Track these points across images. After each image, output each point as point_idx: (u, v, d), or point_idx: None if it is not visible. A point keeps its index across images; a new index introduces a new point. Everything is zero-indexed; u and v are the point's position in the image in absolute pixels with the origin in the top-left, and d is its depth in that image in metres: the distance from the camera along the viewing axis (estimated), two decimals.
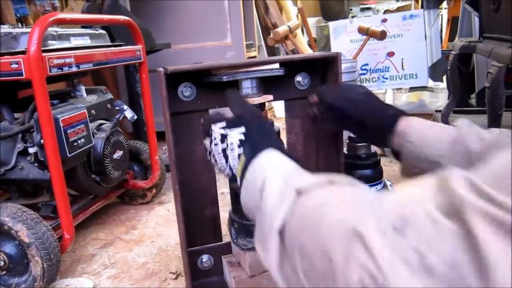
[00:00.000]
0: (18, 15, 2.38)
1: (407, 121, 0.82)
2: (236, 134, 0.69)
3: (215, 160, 0.72)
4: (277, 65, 1.00)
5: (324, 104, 0.95)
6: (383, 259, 0.32)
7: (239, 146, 0.68)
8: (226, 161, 0.69)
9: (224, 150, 0.70)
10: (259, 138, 0.67)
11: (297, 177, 0.52)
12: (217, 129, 0.72)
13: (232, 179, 0.70)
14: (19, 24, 2.17)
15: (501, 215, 0.28)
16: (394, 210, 0.34)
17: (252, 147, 0.66)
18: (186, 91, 1.07)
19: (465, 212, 0.29)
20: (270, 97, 1.02)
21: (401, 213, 0.33)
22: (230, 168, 0.69)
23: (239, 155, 0.67)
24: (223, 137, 0.70)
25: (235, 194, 1.10)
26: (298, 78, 1.14)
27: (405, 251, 0.31)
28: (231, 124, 0.71)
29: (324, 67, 1.13)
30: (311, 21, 4.03)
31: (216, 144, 0.71)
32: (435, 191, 0.33)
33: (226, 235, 1.25)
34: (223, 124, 0.71)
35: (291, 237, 0.44)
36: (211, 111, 1.08)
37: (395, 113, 0.84)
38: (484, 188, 0.30)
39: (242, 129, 0.69)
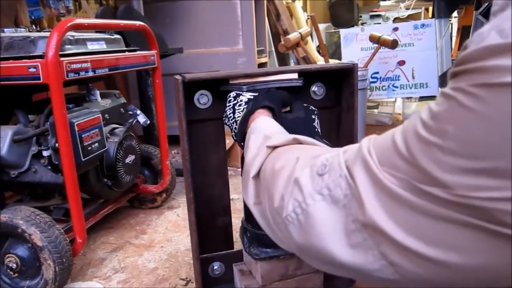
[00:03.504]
0: (33, 17, 2.40)
1: None
2: (248, 95, 0.90)
3: (227, 116, 0.92)
4: (295, 75, 1.00)
5: None
6: (307, 192, 0.48)
7: (245, 103, 0.88)
8: (233, 115, 0.89)
9: (234, 105, 0.90)
10: (262, 99, 0.87)
11: (273, 136, 0.67)
12: (236, 90, 0.93)
13: (236, 135, 0.88)
14: (33, 26, 2.19)
15: (374, 167, 0.41)
16: (322, 161, 0.49)
17: (254, 103, 0.87)
18: (202, 98, 1.07)
19: (356, 163, 0.44)
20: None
21: (325, 163, 0.48)
22: (236, 121, 0.88)
23: (243, 108, 0.88)
24: (237, 96, 0.91)
25: None
26: (314, 88, 1.14)
27: (321, 187, 0.47)
28: (248, 88, 0.93)
29: (340, 77, 1.13)
30: (320, 27, 4.02)
31: (230, 101, 0.92)
32: (354, 149, 0.46)
33: (237, 242, 1.25)
34: (244, 88, 0.93)
35: (262, 181, 0.61)
36: None
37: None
38: (371, 150, 0.43)
39: (255, 93, 0.90)
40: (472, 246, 0.35)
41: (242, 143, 0.85)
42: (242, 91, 0.95)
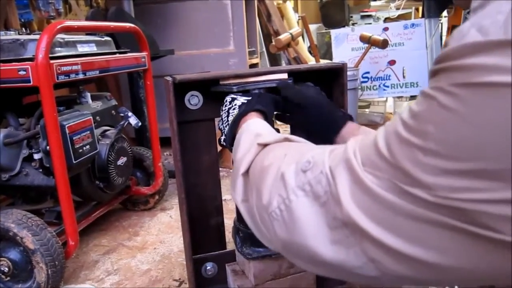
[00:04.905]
0: (23, 20, 2.39)
1: (354, 126, 0.88)
2: (242, 99, 0.91)
3: (222, 120, 0.93)
4: (285, 75, 1.01)
5: (283, 98, 0.97)
6: (290, 188, 0.48)
7: (239, 107, 0.89)
8: (227, 118, 0.90)
9: (229, 109, 0.91)
10: (255, 102, 0.89)
11: (264, 134, 0.69)
12: (232, 95, 0.94)
13: (226, 138, 0.89)
14: (23, 29, 2.18)
15: (357, 167, 0.41)
16: (308, 158, 0.49)
17: (246, 106, 0.88)
18: (193, 99, 1.08)
19: (340, 162, 0.44)
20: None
21: (310, 159, 0.48)
22: (228, 124, 0.89)
23: (237, 112, 0.88)
24: (232, 100, 0.92)
25: None
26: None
27: (303, 183, 0.47)
28: (238, 88, 0.95)
29: (330, 77, 1.14)
30: (312, 27, 4.04)
31: (225, 105, 0.93)
32: (341, 149, 0.46)
33: (229, 243, 1.25)
34: (234, 89, 0.96)
35: (251, 178, 0.61)
36: None
37: (343, 117, 0.90)
38: (356, 151, 0.43)
39: (248, 97, 0.91)
40: (452, 247, 0.35)
41: (231, 146, 0.84)
42: (233, 92, 0.95)
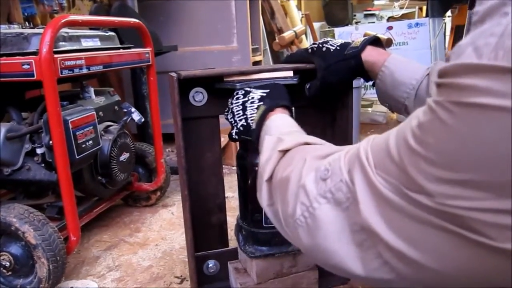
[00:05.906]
0: (26, 14, 2.38)
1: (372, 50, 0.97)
2: (259, 92, 0.88)
3: (232, 113, 0.92)
4: (290, 73, 1.00)
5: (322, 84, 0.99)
6: (312, 197, 0.51)
7: (259, 100, 0.87)
8: (244, 112, 0.88)
9: (244, 102, 0.89)
10: (277, 96, 0.88)
11: (285, 139, 0.67)
12: (245, 87, 0.92)
13: (244, 130, 0.89)
14: (27, 23, 2.17)
15: (369, 170, 0.43)
16: (325, 165, 0.51)
17: (272, 100, 0.86)
18: (197, 96, 1.07)
19: (355, 166, 0.46)
20: None
21: (328, 167, 0.51)
22: (246, 118, 0.88)
23: (258, 106, 0.86)
24: (247, 93, 0.90)
25: (243, 195, 1.10)
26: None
27: (325, 191, 0.49)
28: (258, 87, 0.92)
29: None
30: (315, 26, 4.02)
31: (238, 98, 0.91)
32: (354, 151, 0.48)
33: (232, 240, 1.25)
34: (237, 86, 0.93)
35: (275, 184, 0.63)
36: None
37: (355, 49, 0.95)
38: (368, 152, 0.45)
39: (266, 90, 0.89)
40: (451, 251, 0.37)
41: (257, 141, 0.84)
42: (236, 89, 0.95)
